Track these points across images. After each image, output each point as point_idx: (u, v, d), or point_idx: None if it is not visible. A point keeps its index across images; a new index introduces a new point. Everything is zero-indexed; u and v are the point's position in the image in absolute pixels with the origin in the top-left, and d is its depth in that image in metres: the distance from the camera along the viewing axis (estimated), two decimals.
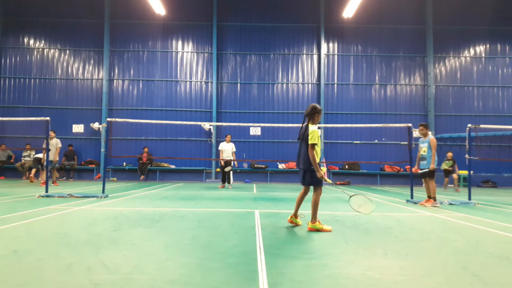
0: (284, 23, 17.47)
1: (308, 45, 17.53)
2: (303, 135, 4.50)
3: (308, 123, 4.51)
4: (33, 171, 12.81)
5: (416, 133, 15.32)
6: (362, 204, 4.74)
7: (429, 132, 7.99)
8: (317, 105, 4.56)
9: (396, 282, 2.51)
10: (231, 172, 12.86)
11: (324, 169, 4.59)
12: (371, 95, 17.28)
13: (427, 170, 7.58)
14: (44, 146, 11.93)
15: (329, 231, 4.38)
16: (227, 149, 12.43)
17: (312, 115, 4.50)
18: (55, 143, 12.33)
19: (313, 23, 17.53)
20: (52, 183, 12.16)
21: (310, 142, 4.33)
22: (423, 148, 7.76)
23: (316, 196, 4.48)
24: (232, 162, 12.56)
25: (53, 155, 12.08)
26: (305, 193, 4.71)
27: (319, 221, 4.45)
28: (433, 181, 7.59)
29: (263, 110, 17.16)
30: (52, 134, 12.05)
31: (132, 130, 16.89)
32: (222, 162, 12.47)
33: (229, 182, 12.73)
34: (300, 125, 4.77)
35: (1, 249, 3.23)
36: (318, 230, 4.35)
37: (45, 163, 11.47)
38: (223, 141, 17.01)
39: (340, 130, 16.92)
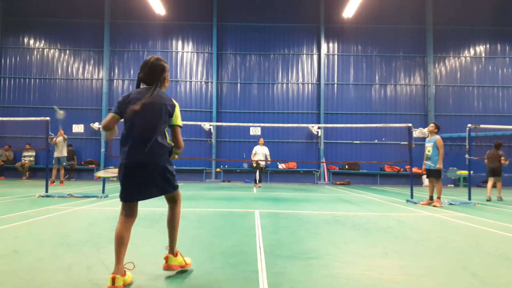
0: (284, 23, 17.47)
1: (308, 45, 17.52)
2: (153, 107, 2.49)
3: (156, 88, 2.55)
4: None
5: (416, 133, 15.35)
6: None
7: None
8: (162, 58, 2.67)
9: (396, 282, 2.51)
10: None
11: None
12: (371, 95, 17.28)
13: (433, 168, 7.55)
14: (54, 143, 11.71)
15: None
16: (260, 152, 12.71)
17: (162, 78, 2.63)
18: (62, 139, 11.91)
19: (313, 23, 17.52)
20: (60, 183, 12.04)
21: (177, 123, 2.64)
22: (428, 148, 7.75)
23: (179, 207, 2.76)
24: (265, 163, 13.09)
25: (61, 152, 11.77)
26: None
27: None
28: (440, 181, 7.60)
29: (263, 110, 17.16)
30: (61, 131, 11.85)
31: None
32: (254, 164, 12.83)
33: (260, 181, 12.95)
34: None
35: (1, 249, 3.23)
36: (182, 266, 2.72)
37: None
38: (223, 141, 17.16)
39: (340, 130, 16.91)
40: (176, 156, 2.68)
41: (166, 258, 2.62)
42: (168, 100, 2.61)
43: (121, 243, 2.39)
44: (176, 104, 2.67)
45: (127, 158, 2.44)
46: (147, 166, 2.45)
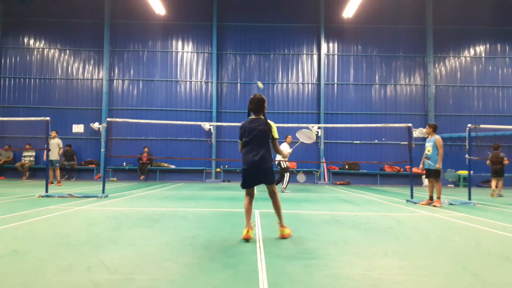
0: (284, 23, 17.47)
1: (308, 45, 17.53)
2: (259, 131, 3.96)
3: (264, 116, 4.08)
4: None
5: (416, 133, 15.35)
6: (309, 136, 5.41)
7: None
8: (262, 95, 4.06)
9: (396, 282, 2.51)
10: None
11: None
12: (371, 95, 17.28)
13: (432, 168, 7.61)
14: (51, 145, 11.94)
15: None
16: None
17: (263, 108, 4.06)
18: (56, 143, 12.21)
19: (313, 23, 17.52)
20: (57, 183, 12.14)
21: (276, 136, 4.10)
22: (428, 148, 7.81)
23: (277, 197, 4.24)
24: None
25: (56, 155, 12.06)
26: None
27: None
28: (439, 181, 7.62)
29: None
30: (53, 134, 12.00)
31: (132, 130, 16.89)
32: (286, 165, 11.15)
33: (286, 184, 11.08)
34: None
35: (1, 249, 3.22)
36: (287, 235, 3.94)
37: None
38: (223, 141, 17.16)
39: (340, 130, 16.91)
40: (281, 157, 4.31)
41: (281, 230, 3.92)
42: (268, 124, 3.98)
43: (248, 211, 4.07)
44: (272, 124, 4.05)
45: (247, 163, 3.91)
46: (257, 167, 3.90)
